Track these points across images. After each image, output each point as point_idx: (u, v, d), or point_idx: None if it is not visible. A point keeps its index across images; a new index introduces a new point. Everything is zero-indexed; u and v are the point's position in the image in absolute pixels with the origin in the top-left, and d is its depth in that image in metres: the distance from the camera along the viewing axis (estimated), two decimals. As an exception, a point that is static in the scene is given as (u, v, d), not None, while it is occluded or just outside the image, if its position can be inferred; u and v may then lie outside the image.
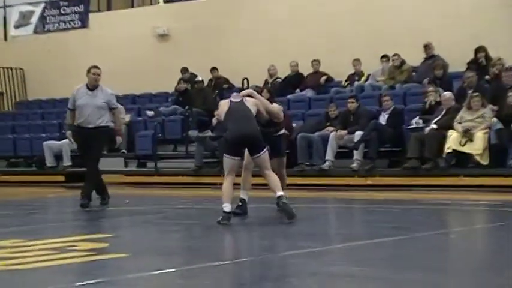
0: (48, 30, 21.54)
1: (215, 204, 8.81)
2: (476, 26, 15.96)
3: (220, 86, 18.41)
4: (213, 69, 18.59)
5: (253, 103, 9.04)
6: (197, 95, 17.75)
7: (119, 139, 11.43)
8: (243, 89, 17.28)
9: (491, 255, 6.37)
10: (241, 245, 7.44)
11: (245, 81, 17.66)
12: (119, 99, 19.04)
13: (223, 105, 9.08)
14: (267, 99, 9.44)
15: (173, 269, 5.77)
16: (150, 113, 18.34)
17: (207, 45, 19.27)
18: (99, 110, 10.83)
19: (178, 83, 18.60)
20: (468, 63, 15.17)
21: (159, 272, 5.63)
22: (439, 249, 6.62)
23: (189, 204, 11.58)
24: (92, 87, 10.87)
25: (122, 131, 13.13)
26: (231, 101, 9.05)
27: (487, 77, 14.74)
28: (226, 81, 18.55)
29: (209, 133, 16.17)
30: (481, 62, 15.00)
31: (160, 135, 17.29)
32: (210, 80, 18.67)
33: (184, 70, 18.74)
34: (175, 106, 18.22)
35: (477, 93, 13.55)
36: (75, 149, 11.89)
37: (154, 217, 9.88)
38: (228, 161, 8.77)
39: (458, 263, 6.09)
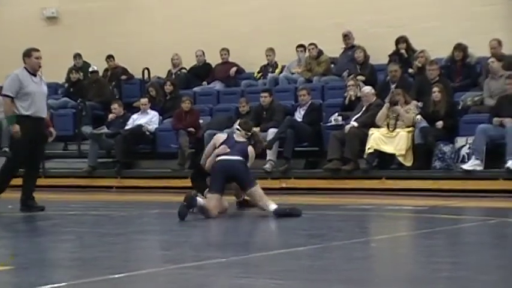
0: None
1: (110, 210, 8.73)
2: (399, 14, 16.26)
3: (118, 77, 18.25)
4: (109, 57, 18.40)
5: None
6: (91, 87, 17.55)
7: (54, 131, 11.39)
8: (143, 80, 17.22)
9: (415, 265, 6.50)
10: (140, 255, 7.38)
11: (146, 71, 17.54)
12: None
13: None
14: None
15: (63, 283, 5.69)
16: (37, 106, 18.00)
17: (103, 30, 19.05)
18: (45, 99, 10.96)
19: (70, 72, 18.34)
20: (390, 55, 15.45)
21: (46, 286, 5.54)
22: (359, 259, 6.72)
23: (81, 209, 11.43)
24: (35, 72, 10.86)
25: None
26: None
27: (410, 70, 15.06)
28: (125, 71, 18.39)
29: (105, 129, 15.99)
30: (402, 54, 15.30)
31: (48, 131, 16.98)
32: (106, 70, 18.49)
33: (77, 57, 18.51)
34: (65, 99, 17.97)
35: (399, 89, 13.84)
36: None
37: (42, 224, 9.72)
38: None
39: (379, 274, 6.19)
